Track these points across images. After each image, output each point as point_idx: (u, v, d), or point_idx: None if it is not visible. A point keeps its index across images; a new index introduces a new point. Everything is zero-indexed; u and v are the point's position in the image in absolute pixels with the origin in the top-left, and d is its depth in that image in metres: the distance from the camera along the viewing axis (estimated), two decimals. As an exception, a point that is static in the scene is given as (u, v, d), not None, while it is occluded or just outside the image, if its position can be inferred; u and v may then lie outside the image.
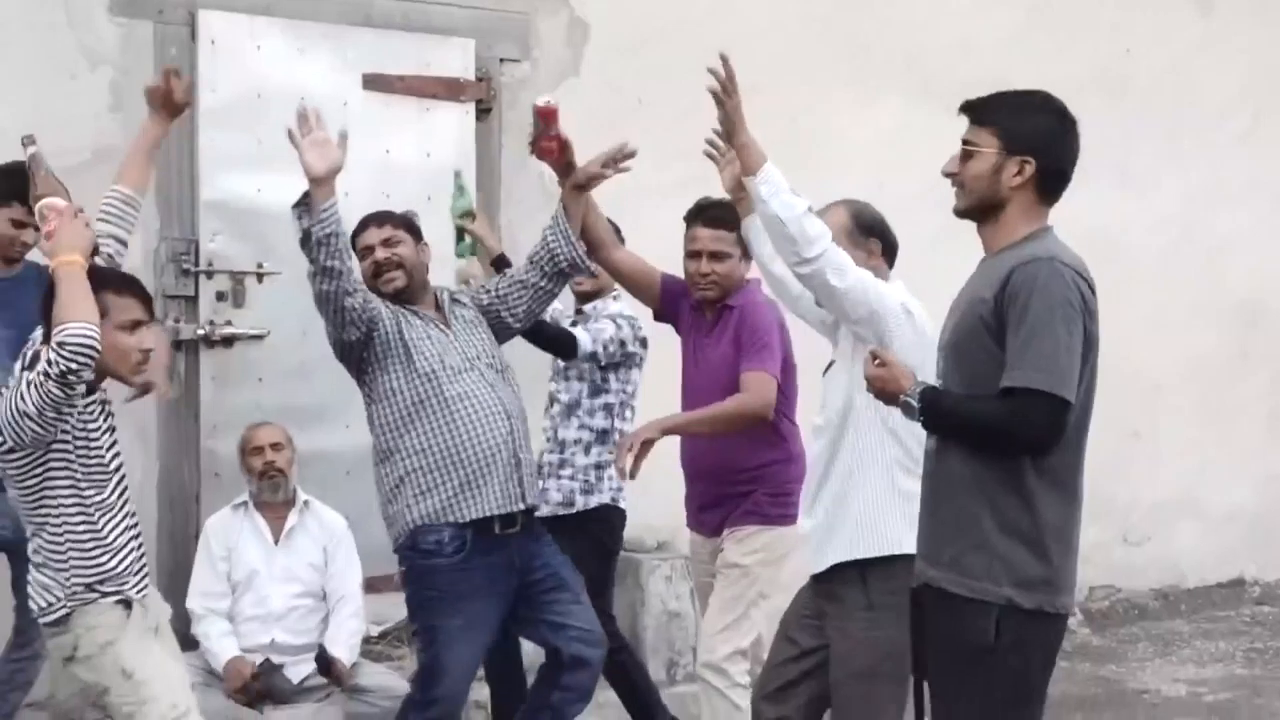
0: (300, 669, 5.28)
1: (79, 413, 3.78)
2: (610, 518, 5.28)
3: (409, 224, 4.71)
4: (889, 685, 3.76)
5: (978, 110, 3.26)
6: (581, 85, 6.64)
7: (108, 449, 3.92)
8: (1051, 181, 3.23)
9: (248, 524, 5.41)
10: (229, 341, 5.76)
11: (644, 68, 6.48)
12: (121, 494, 3.96)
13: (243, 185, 5.09)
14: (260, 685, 5.16)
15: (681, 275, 4.79)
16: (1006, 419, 3.06)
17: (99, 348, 3.57)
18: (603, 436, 5.22)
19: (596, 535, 5.23)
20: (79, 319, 3.57)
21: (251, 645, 5.29)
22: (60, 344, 3.51)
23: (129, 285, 3.87)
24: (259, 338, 5.73)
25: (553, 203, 4.85)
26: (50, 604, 3.84)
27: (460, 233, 5.23)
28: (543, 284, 4.58)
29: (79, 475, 3.82)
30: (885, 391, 3.24)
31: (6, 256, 4.87)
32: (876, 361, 3.25)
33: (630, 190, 5.05)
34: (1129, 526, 8.19)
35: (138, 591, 3.92)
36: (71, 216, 3.82)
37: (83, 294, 3.65)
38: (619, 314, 5.20)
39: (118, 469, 3.97)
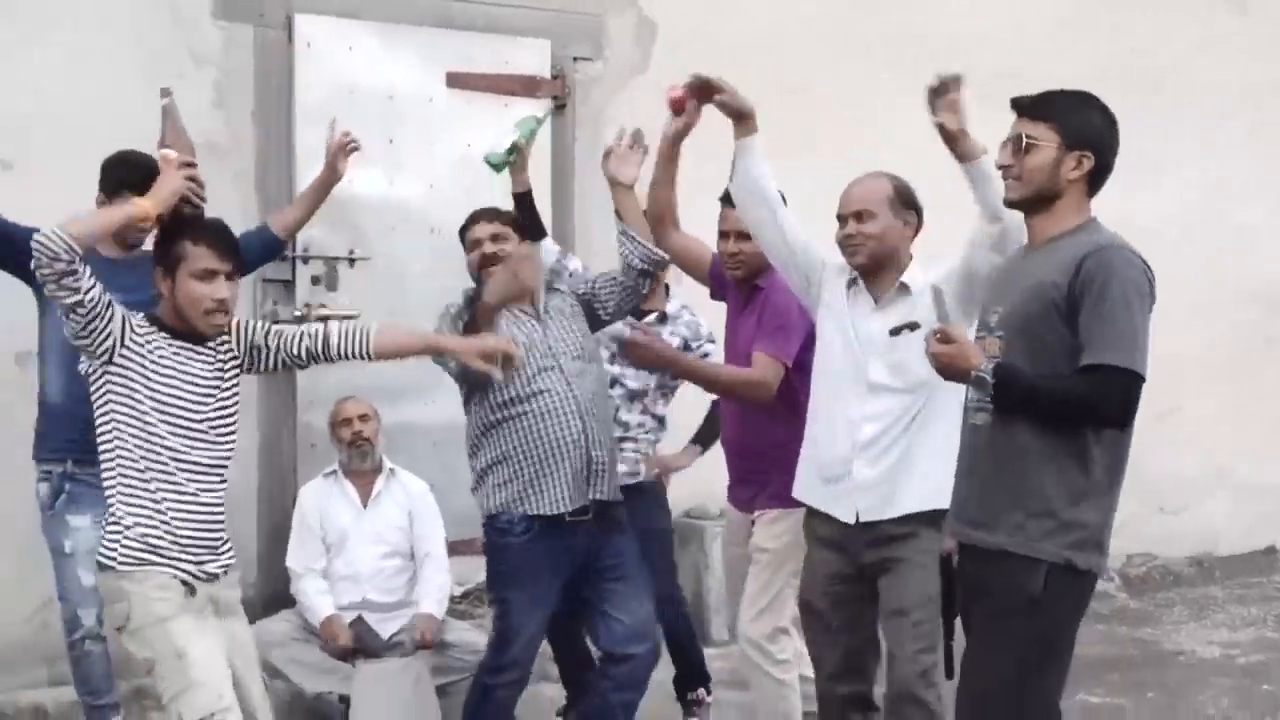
0: (389, 625, 5.37)
1: (136, 347, 3.55)
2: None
3: (516, 223, 4.69)
4: (929, 624, 3.77)
5: (1035, 106, 3.29)
6: (649, 82, 6.59)
7: (194, 406, 3.62)
8: (1101, 175, 3.29)
9: (337, 490, 5.51)
10: (323, 323, 5.82)
11: (708, 64, 6.46)
12: (215, 463, 3.69)
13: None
14: (353, 640, 5.31)
15: None
16: (1089, 394, 3.09)
17: (51, 250, 3.36)
18: (664, 422, 5.32)
19: (661, 500, 5.37)
20: (63, 224, 3.42)
21: (345, 603, 5.38)
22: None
23: (205, 234, 3.67)
24: (350, 319, 5.80)
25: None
26: (105, 559, 3.58)
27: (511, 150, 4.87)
28: (629, 283, 4.57)
29: (136, 420, 3.55)
30: (952, 367, 3.21)
31: (121, 242, 4.71)
32: (940, 338, 3.21)
33: (692, 182, 4.96)
34: (1165, 498, 8.13)
35: (205, 571, 3.63)
36: (175, 168, 3.73)
37: (98, 221, 3.66)
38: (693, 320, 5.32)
39: (215, 440, 3.68)
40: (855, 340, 4.02)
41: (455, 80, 6.22)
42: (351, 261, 6.01)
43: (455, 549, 5.59)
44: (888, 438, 3.96)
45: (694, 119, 4.32)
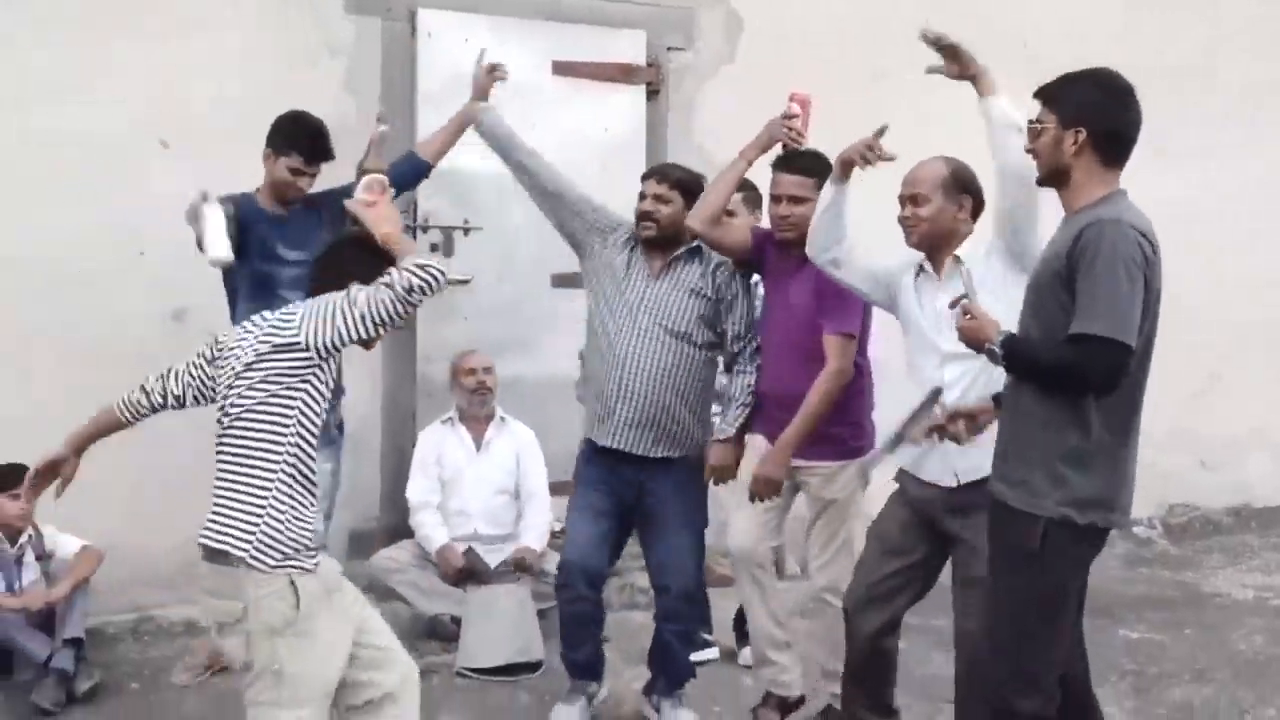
0: (496, 555, 5.58)
1: (324, 375, 3.40)
2: None
3: (685, 187, 4.51)
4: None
5: (1044, 93, 3.29)
6: (735, 71, 6.72)
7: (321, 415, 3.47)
8: (1108, 146, 3.22)
9: (454, 435, 5.72)
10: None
11: (790, 54, 6.50)
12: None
13: (452, 154, 5.17)
14: (465, 567, 5.52)
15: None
16: (1074, 363, 3.07)
17: (440, 283, 3.34)
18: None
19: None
20: (418, 260, 3.35)
21: (457, 535, 5.61)
22: (421, 265, 3.32)
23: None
24: (464, 282, 5.92)
25: (712, 174, 4.76)
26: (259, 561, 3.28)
27: None
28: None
29: (307, 431, 3.38)
30: (974, 340, 3.24)
31: (282, 198, 4.78)
32: (966, 315, 3.24)
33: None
34: (1207, 454, 8.12)
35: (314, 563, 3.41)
36: (387, 195, 3.69)
37: (410, 247, 3.51)
38: None
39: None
40: (924, 316, 3.96)
41: (560, 68, 6.29)
42: (466, 231, 6.14)
43: (555, 489, 5.69)
44: (968, 400, 3.83)
45: (802, 140, 4.39)
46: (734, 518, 4.62)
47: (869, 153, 3.94)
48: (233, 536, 3.25)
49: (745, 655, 5.06)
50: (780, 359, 4.45)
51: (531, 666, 5.22)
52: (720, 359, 4.67)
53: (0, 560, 5.16)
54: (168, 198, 4.69)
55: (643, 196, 4.54)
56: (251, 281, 4.67)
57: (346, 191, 4.29)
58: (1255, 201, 8.12)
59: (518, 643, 5.23)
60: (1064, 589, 3.23)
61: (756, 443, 4.51)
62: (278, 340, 3.32)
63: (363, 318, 3.29)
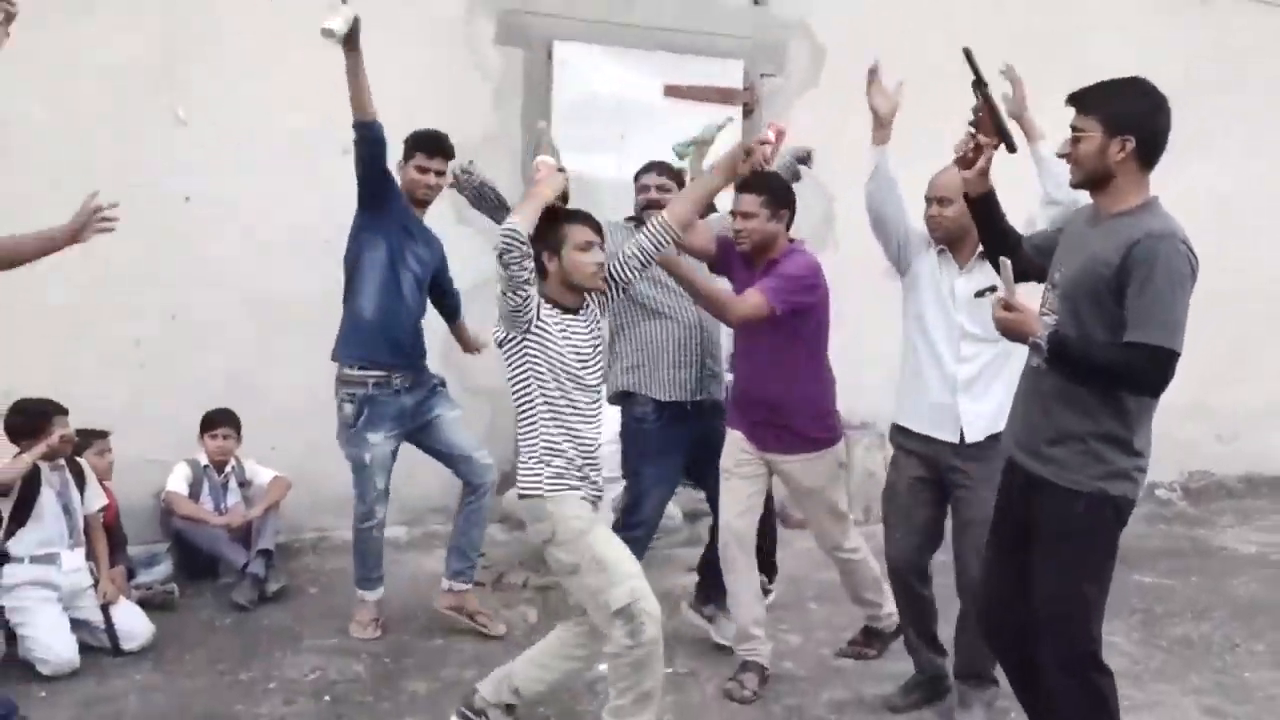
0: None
1: (543, 320, 3.56)
2: None
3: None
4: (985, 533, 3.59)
5: (1082, 100, 3.10)
6: (818, 94, 6.86)
7: (581, 363, 3.62)
8: (1149, 152, 3.06)
9: None
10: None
11: (863, 81, 6.67)
12: (594, 403, 3.66)
13: (581, 164, 5.31)
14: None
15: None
16: (1131, 367, 2.95)
17: (519, 239, 3.40)
18: None
19: None
20: (514, 218, 3.47)
21: None
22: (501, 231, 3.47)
23: (581, 218, 3.63)
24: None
25: (802, 184, 4.81)
26: (528, 490, 3.59)
27: (690, 144, 4.63)
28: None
29: (546, 378, 3.55)
30: (1013, 332, 3.08)
31: (415, 199, 4.76)
32: (1004, 306, 3.06)
33: (854, 173, 4.66)
34: (1223, 426, 8.13)
35: (596, 491, 3.65)
36: (553, 171, 3.73)
37: (530, 208, 3.55)
38: None
39: (594, 385, 3.68)
40: (949, 298, 3.97)
41: (670, 91, 6.48)
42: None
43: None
44: (984, 378, 3.94)
45: (768, 163, 4.15)
46: (721, 501, 4.50)
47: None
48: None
49: (714, 632, 4.84)
50: (750, 361, 4.38)
51: None
52: None
53: (210, 487, 5.64)
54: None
55: (646, 187, 4.66)
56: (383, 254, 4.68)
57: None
58: (1270, 182, 8.13)
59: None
60: (1107, 552, 3.15)
61: (734, 436, 4.45)
62: None
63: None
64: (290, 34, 5.87)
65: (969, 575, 3.92)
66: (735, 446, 4.43)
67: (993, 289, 3.72)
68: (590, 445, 3.61)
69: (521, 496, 3.61)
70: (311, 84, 5.70)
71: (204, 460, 5.64)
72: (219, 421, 5.64)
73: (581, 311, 3.67)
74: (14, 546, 4.56)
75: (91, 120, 5.61)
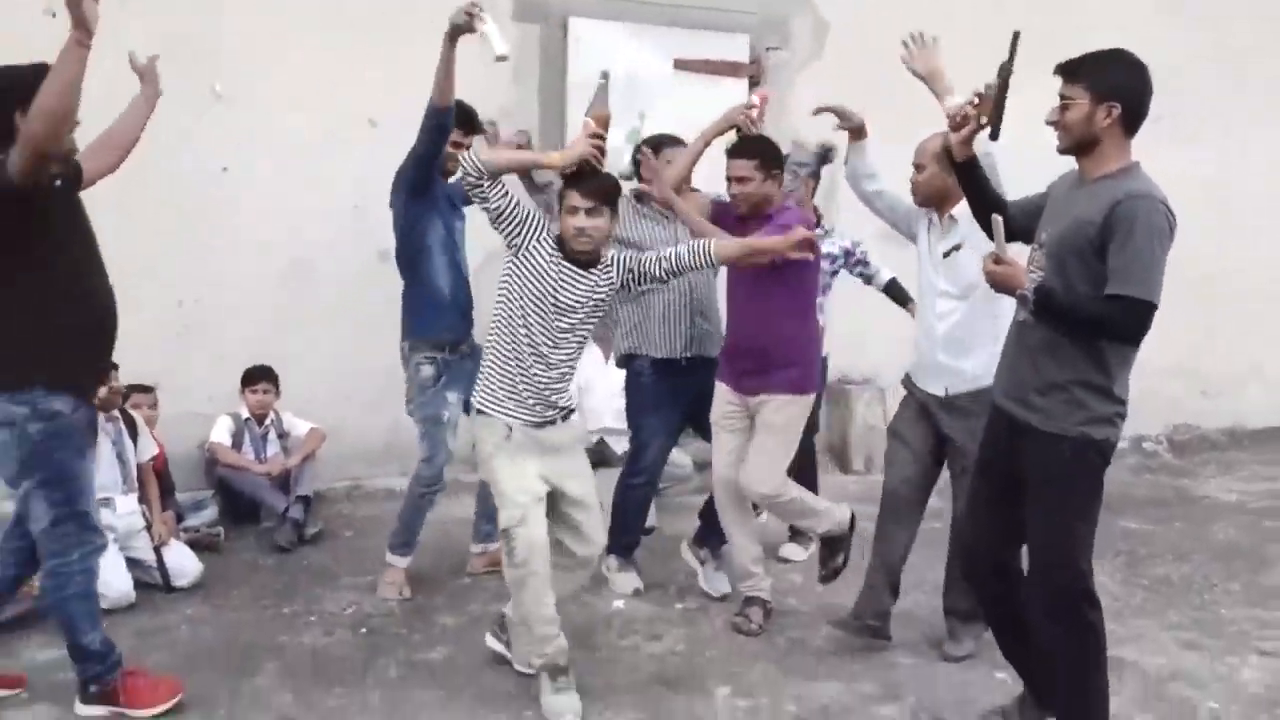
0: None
1: (535, 251, 3.63)
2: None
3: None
4: None
5: (1070, 70, 3.13)
6: (822, 66, 6.93)
7: (557, 309, 3.66)
8: (1132, 118, 3.10)
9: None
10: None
11: (868, 55, 6.42)
12: (556, 350, 3.69)
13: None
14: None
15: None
16: (1110, 318, 3.01)
17: (470, 167, 3.51)
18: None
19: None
20: (483, 154, 3.57)
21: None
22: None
23: (576, 183, 3.64)
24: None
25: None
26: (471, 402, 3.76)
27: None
28: None
29: (515, 305, 3.64)
30: (1002, 285, 3.14)
31: (444, 170, 4.72)
32: (995, 259, 3.13)
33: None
34: (1209, 384, 8.20)
35: (525, 423, 3.69)
36: (587, 135, 3.70)
37: (510, 153, 3.78)
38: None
39: (562, 335, 3.70)
40: (928, 259, 4.12)
41: (680, 64, 6.57)
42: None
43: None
44: (961, 335, 4.01)
45: (755, 126, 4.39)
46: (714, 453, 4.56)
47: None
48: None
49: (700, 576, 4.92)
50: (743, 314, 4.41)
51: (647, 530, 5.41)
52: None
53: (251, 438, 5.82)
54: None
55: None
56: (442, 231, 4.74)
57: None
58: (1263, 174, 8.17)
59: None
60: (1093, 493, 3.20)
61: (721, 390, 4.51)
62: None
63: None
64: (323, 14, 6.04)
65: (960, 519, 4.01)
66: (722, 399, 4.51)
67: (958, 247, 3.89)
68: (536, 385, 3.67)
69: (466, 408, 3.76)
70: (342, 63, 5.87)
71: (245, 413, 5.81)
72: (258, 377, 5.80)
73: (591, 270, 3.71)
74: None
75: (132, 88, 5.73)
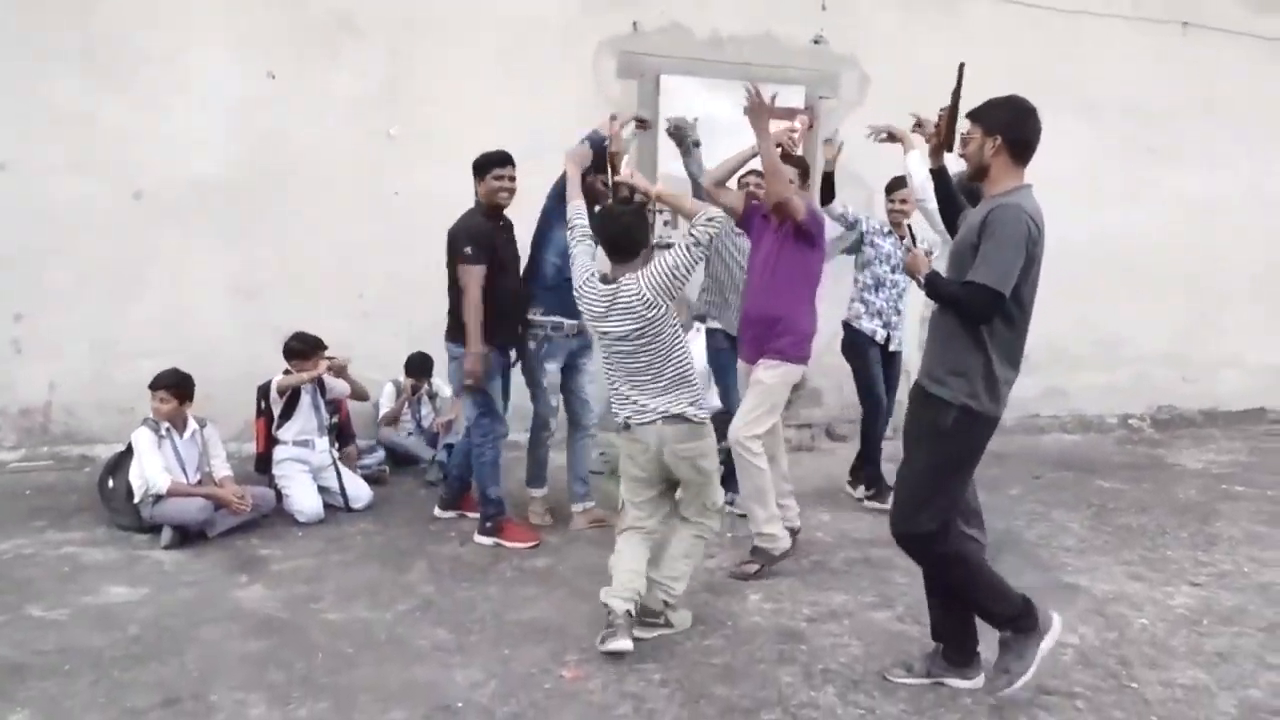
0: None
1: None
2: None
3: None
4: None
5: (973, 113, 3.18)
6: (864, 112, 6.75)
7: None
8: (1018, 150, 3.10)
9: None
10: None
11: (902, 103, 6.68)
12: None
13: (678, 168, 5.28)
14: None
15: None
16: (962, 299, 3.05)
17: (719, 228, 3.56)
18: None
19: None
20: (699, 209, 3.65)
21: None
22: (709, 218, 3.60)
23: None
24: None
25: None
26: (699, 415, 3.62)
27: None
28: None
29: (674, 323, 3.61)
30: (909, 270, 3.27)
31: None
32: (910, 254, 3.30)
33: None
34: (1189, 371, 8.11)
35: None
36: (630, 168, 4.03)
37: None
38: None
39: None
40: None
41: (749, 112, 6.70)
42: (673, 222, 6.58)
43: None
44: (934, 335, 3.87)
45: (796, 147, 4.51)
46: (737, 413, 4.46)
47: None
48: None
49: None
50: (758, 289, 4.44)
51: None
52: None
53: (410, 402, 6.16)
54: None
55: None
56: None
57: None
58: (1243, 197, 8.09)
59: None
60: (965, 455, 3.18)
61: (741, 367, 4.57)
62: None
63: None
64: (471, 77, 6.42)
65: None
66: (742, 373, 4.62)
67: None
68: None
69: (699, 420, 3.62)
70: (479, 112, 6.21)
71: (403, 384, 6.17)
72: (416, 367, 6.08)
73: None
74: (282, 434, 5.22)
75: (335, 135, 6.23)
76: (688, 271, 3.59)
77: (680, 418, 3.61)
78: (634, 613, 3.58)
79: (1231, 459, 7.04)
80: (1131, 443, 7.54)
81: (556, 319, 4.82)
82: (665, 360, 3.62)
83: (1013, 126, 3.10)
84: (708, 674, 3.48)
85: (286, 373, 5.23)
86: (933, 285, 3.19)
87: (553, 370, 4.87)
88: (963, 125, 3.28)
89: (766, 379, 4.39)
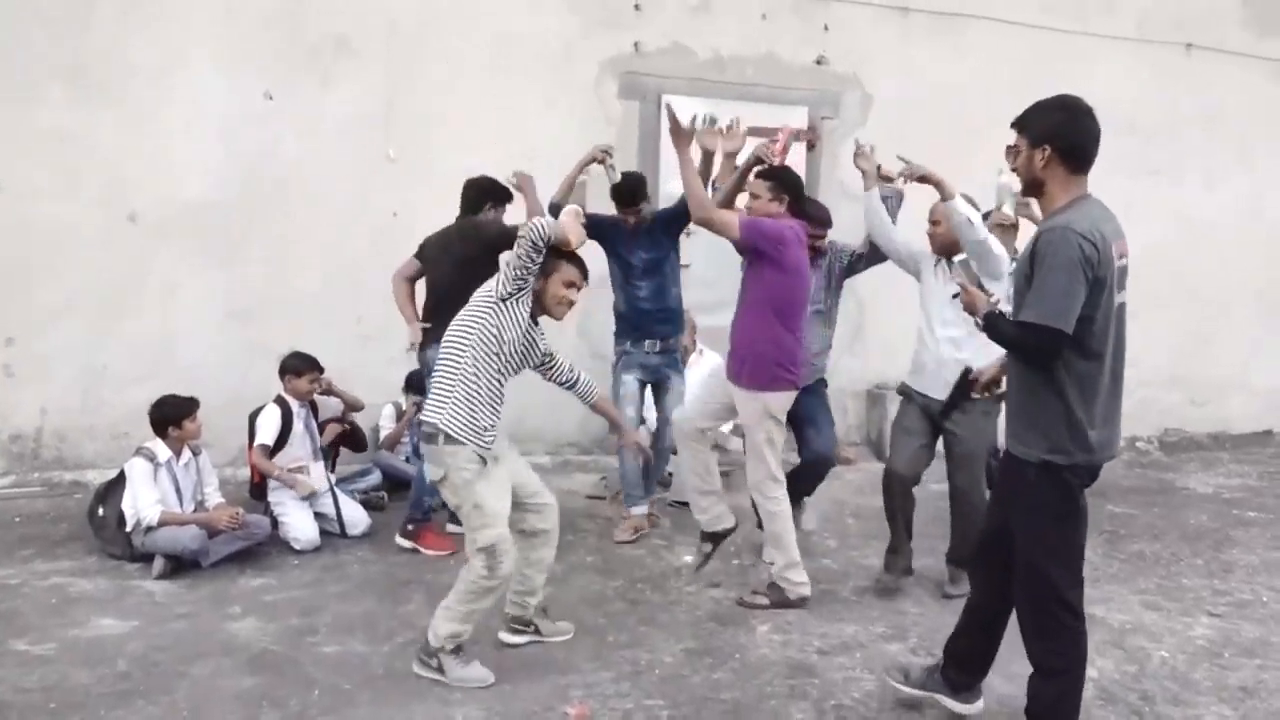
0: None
1: (511, 312, 3.41)
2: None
3: (778, 182, 4.23)
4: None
5: (1017, 123, 2.88)
6: (866, 132, 6.67)
7: (517, 357, 3.49)
8: (1071, 157, 2.79)
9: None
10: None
11: (903, 124, 6.70)
12: (504, 389, 3.49)
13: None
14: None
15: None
16: (1019, 339, 2.79)
17: (543, 236, 3.29)
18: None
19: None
20: (549, 222, 3.35)
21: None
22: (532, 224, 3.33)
23: (574, 260, 3.53)
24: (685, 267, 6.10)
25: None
26: (435, 428, 3.39)
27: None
28: None
29: (492, 346, 3.40)
30: (969, 310, 3.04)
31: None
32: (965, 292, 3.06)
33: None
34: (1197, 394, 8.06)
35: (485, 448, 3.43)
36: (574, 217, 3.47)
37: (559, 228, 3.35)
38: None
39: (515, 370, 3.55)
40: (936, 297, 4.24)
41: (753, 130, 6.39)
42: (689, 233, 6.42)
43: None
44: (961, 355, 4.17)
45: (775, 160, 4.29)
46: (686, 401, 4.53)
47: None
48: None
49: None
50: (752, 322, 4.16)
51: None
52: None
53: (411, 424, 6.04)
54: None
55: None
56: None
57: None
58: (1243, 212, 8.06)
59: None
60: (1063, 510, 2.82)
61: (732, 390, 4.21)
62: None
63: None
64: (469, 97, 6.36)
65: (960, 498, 4.26)
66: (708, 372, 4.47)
67: (955, 295, 3.79)
68: (491, 413, 3.46)
69: (428, 434, 3.42)
70: (478, 133, 6.15)
71: (404, 404, 6.07)
72: (414, 388, 5.93)
73: (537, 327, 3.62)
74: (276, 461, 5.10)
75: (331, 156, 6.16)
76: (512, 269, 3.38)
77: (428, 435, 3.45)
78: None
79: (1241, 483, 6.96)
80: (1140, 466, 7.44)
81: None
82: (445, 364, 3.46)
83: (1063, 132, 2.79)
84: (716, 711, 3.36)
85: (279, 399, 5.13)
86: (992, 327, 2.92)
87: (629, 381, 5.11)
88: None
89: (745, 416, 4.20)
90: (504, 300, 3.42)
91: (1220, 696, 3.58)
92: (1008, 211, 4.34)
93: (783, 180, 4.26)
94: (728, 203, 4.34)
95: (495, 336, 3.42)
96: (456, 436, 3.40)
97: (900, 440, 4.40)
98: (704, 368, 5.79)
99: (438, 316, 4.66)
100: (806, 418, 4.72)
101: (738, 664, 3.72)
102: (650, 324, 5.17)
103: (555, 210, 4.59)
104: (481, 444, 3.44)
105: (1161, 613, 4.37)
